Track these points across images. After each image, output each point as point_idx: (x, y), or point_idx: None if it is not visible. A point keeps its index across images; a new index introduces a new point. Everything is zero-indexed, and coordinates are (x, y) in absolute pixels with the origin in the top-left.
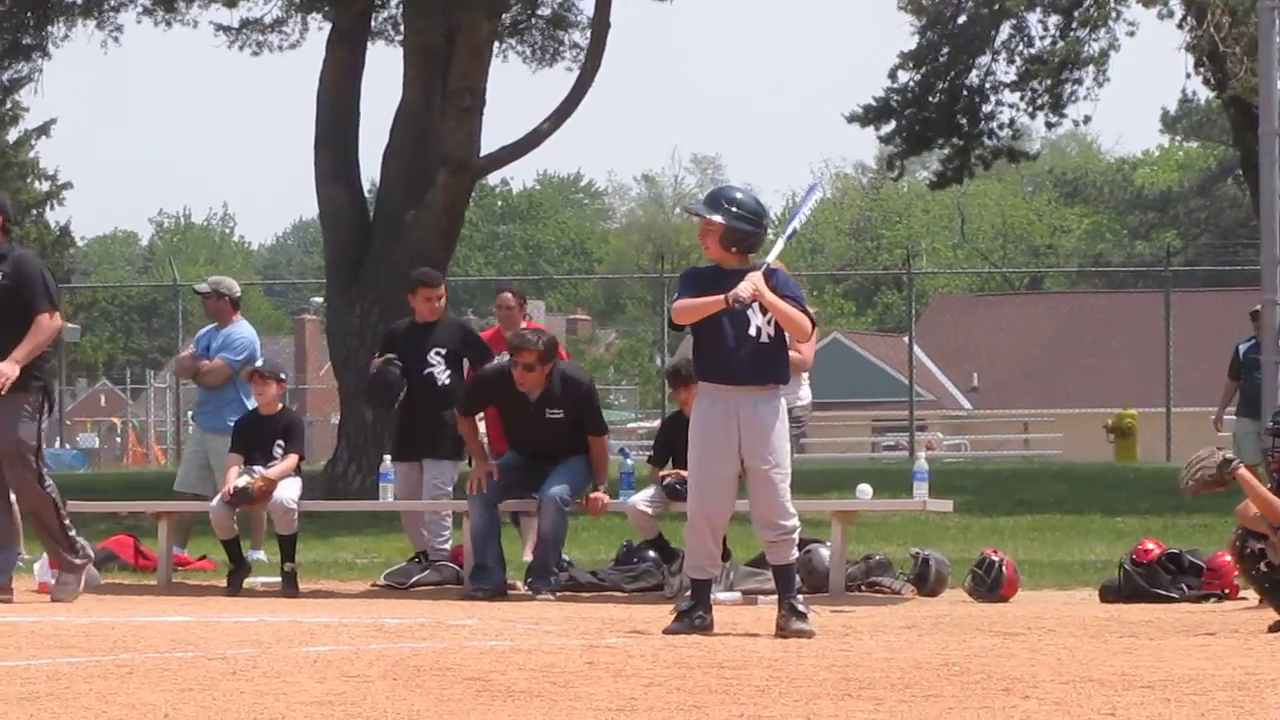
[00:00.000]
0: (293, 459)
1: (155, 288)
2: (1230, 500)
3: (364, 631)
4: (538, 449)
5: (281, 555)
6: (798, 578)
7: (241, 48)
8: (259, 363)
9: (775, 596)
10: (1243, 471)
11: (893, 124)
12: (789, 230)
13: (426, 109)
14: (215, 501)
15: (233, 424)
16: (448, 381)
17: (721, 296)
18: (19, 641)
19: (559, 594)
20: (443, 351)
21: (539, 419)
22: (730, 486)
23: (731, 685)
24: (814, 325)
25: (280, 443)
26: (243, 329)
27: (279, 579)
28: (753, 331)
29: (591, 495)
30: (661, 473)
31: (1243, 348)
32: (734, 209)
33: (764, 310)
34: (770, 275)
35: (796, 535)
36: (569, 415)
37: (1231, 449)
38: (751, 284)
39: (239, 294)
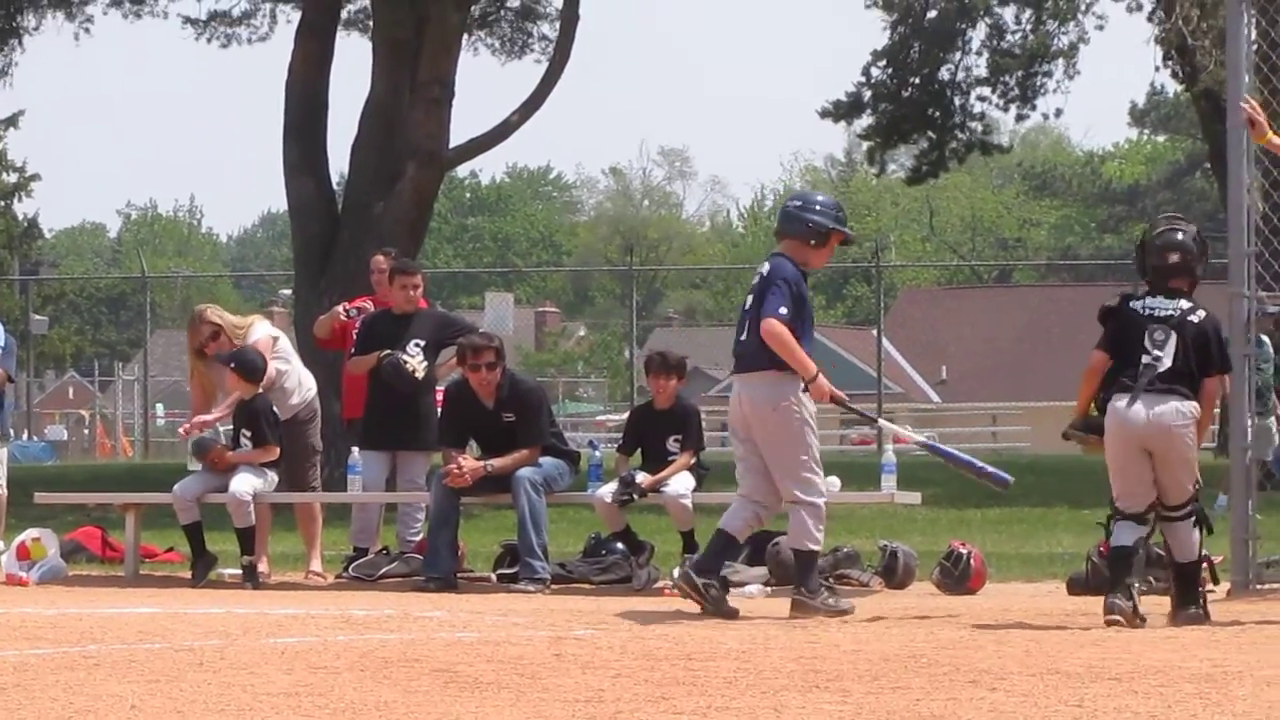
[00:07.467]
0: (257, 452)
1: (124, 279)
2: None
3: (331, 623)
4: (501, 454)
5: (240, 548)
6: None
7: (210, 40)
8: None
9: (746, 589)
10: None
11: (867, 119)
12: (941, 450)
13: (396, 101)
14: (178, 485)
15: None
16: (423, 374)
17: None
18: None
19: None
20: (421, 343)
21: (498, 424)
22: None
23: (699, 677)
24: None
25: (246, 432)
26: None
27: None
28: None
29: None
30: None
31: None
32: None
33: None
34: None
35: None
36: (519, 419)
37: None
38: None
39: None
